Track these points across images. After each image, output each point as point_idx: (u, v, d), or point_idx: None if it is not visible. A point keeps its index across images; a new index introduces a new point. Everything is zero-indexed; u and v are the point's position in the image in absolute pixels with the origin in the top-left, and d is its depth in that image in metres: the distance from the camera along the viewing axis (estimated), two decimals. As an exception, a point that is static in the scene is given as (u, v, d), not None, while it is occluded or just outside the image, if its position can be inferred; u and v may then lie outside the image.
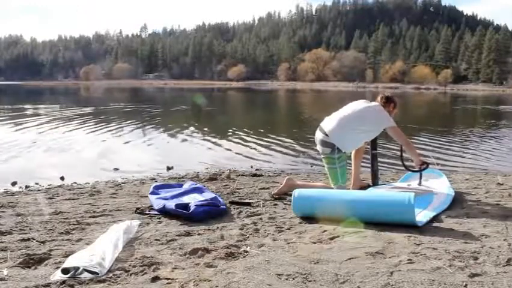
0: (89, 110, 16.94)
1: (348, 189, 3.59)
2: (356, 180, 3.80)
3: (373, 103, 3.69)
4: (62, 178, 4.78)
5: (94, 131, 9.68)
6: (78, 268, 1.84)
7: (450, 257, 2.00)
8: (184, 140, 8.48)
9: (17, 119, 12.14)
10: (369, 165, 3.93)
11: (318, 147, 3.61)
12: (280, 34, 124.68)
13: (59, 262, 1.97)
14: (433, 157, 5.78)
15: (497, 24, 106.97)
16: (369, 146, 3.92)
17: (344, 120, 3.52)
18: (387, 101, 3.70)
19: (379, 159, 3.97)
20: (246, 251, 2.17)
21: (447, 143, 8.38)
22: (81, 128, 10.16)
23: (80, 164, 5.91)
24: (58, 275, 1.81)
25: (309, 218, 2.77)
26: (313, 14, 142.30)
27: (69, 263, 1.89)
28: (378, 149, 3.98)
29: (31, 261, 2.00)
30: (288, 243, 2.30)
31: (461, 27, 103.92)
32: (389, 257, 2.02)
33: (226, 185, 4.03)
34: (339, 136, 3.46)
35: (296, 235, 2.46)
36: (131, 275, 1.87)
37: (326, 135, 3.49)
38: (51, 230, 2.52)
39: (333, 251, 2.12)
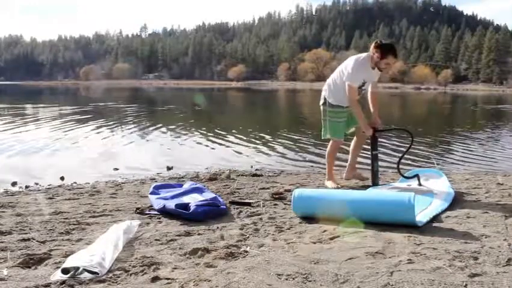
0: (88, 109, 16.94)
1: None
2: (352, 169, 3.89)
3: (359, 55, 3.80)
4: (62, 178, 4.77)
5: (93, 131, 9.67)
6: (78, 268, 1.84)
7: (450, 257, 2.00)
8: (184, 140, 8.48)
9: (17, 119, 12.14)
10: (370, 166, 3.94)
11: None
12: (280, 34, 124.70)
13: (59, 262, 1.97)
14: (436, 162, 5.79)
15: (497, 24, 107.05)
16: (369, 142, 3.94)
17: (332, 74, 3.95)
18: (375, 47, 3.64)
19: (379, 160, 3.97)
20: (246, 251, 2.17)
21: (447, 143, 8.38)
22: (81, 128, 10.16)
23: (80, 164, 5.90)
24: (58, 275, 1.81)
25: (309, 218, 2.77)
26: (313, 14, 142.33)
27: (69, 263, 1.89)
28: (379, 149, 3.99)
29: (31, 261, 1.99)
30: (288, 243, 2.30)
31: (461, 27, 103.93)
32: (389, 257, 2.02)
33: (226, 185, 4.03)
34: (326, 88, 3.93)
35: (296, 235, 2.45)
36: (131, 275, 1.87)
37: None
38: (51, 230, 2.52)
39: (333, 251, 2.12)
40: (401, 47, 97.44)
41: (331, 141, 4.01)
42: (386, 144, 6.14)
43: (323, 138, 4.03)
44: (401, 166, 3.98)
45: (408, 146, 3.93)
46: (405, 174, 3.81)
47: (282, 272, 1.83)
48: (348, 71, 3.70)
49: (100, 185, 4.35)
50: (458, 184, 3.96)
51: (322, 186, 4.03)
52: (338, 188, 3.85)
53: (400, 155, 3.89)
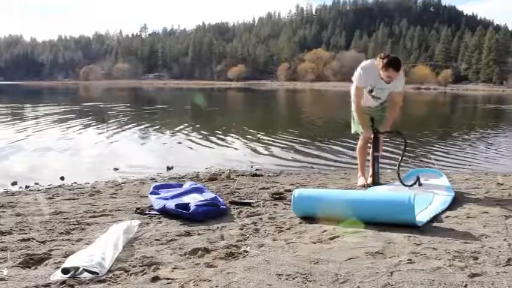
0: (89, 109, 16.93)
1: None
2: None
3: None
4: (62, 178, 4.77)
5: (93, 131, 9.68)
6: (78, 268, 1.84)
7: (450, 257, 2.00)
8: (184, 140, 8.48)
9: (17, 119, 12.14)
10: (370, 166, 3.94)
11: None
12: (280, 34, 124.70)
13: (59, 262, 1.97)
14: (435, 162, 5.78)
15: (497, 24, 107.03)
16: (370, 145, 3.94)
17: None
18: (380, 58, 3.67)
19: (380, 160, 3.96)
20: (246, 251, 2.17)
21: (447, 143, 8.38)
22: (81, 128, 10.16)
23: (80, 164, 5.91)
24: (58, 275, 1.81)
25: (309, 218, 2.77)
26: (314, 14, 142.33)
27: (69, 263, 1.89)
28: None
29: (31, 261, 1.99)
30: (288, 243, 2.30)
31: (461, 27, 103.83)
32: (389, 257, 2.02)
33: (226, 185, 4.03)
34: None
35: (296, 235, 2.45)
36: (131, 275, 1.87)
37: None
38: (51, 230, 2.52)
39: (333, 251, 2.12)
40: (401, 47, 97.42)
41: (360, 137, 4.09)
42: (387, 145, 6.14)
43: (352, 133, 4.17)
44: (400, 167, 3.97)
45: (402, 151, 3.89)
46: (405, 182, 3.73)
47: (282, 272, 1.83)
48: (355, 73, 3.82)
49: (100, 185, 4.35)
50: (458, 184, 3.96)
51: (322, 186, 4.03)
52: (365, 186, 3.85)
53: (399, 158, 3.84)
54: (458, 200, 3.22)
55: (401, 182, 3.64)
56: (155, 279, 1.81)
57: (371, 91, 3.82)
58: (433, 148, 7.64)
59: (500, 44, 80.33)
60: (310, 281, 1.75)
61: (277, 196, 3.48)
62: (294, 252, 2.14)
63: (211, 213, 2.85)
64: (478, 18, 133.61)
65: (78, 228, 2.58)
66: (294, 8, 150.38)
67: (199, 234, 2.47)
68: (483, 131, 11.01)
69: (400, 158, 3.80)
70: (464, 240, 2.25)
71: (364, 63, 3.82)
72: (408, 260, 1.96)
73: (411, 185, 3.59)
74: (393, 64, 3.59)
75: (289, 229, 2.59)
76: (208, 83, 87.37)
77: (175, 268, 1.93)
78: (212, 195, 3.22)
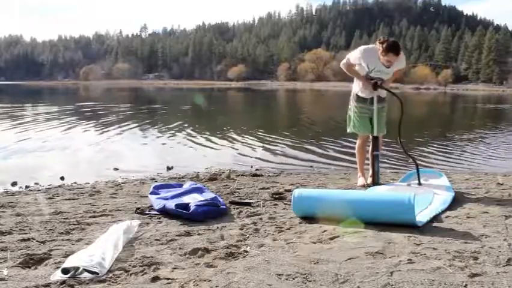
0: (88, 109, 16.93)
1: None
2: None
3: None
4: (62, 178, 4.77)
5: (93, 131, 9.68)
6: (78, 268, 1.84)
7: (450, 257, 2.00)
8: (184, 140, 8.49)
9: (17, 119, 12.14)
10: (370, 166, 3.93)
11: None
12: (280, 34, 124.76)
13: (59, 262, 1.97)
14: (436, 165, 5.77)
15: (497, 24, 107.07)
16: (370, 145, 3.94)
17: None
18: (379, 43, 3.68)
19: (380, 159, 3.96)
20: (246, 251, 2.17)
21: (447, 143, 8.38)
22: (81, 128, 10.16)
23: (80, 164, 5.91)
24: (58, 275, 1.81)
25: (309, 218, 2.77)
26: (314, 14, 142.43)
27: (69, 263, 1.89)
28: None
29: (31, 261, 1.99)
30: (288, 243, 2.30)
31: (461, 27, 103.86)
32: (389, 257, 2.02)
33: (226, 185, 4.03)
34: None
35: (296, 235, 2.45)
36: (131, 275, 1.87)
37: None
38: (51, 230, 2.52)
39: (333, 251, 2.12)
40: (401, 47, 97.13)
41: (358, 136, 4.07)
42: (387, 145, 6.14)
43: (348, 132, 4.11)
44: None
45: (400, 116, 3.90)
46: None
47: (282, 272, 1.83)
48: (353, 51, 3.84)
49: (100, 185, 4.35)
50: (458, 184, 3.96)
51: (322, 186, 4.03)
52: (365, 186, 3.84)
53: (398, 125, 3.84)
54: (458, 200, 3.22)
55: (401, 145, 3.69)
56: (155, 279, 1.81)
57: (370, 72, 3.78)
58: (433, 148, 7.64)
59: (500, 44, 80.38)
60: (310, 281, 1.75)
61: (277, 196, 3.48)
62: (294, 252, 2.14)
63: (211, 213, 2.85)
64: (478, 18, 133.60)
65: (78, 228, 2.58)
66: (294, 8, 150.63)
67: (199, 234, 2.47)
68: (483, 131, 11.01)
69: (400, 121, 3.80)
70: (464, 240, 2.25)
71: (364, 46, 3.82)
72: (408, 260, 1.96)
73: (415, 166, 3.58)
74: (392, 48, 3.58)
75: (289, 229, 2.59)
76: (208, 83, 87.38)
77: (175, 268, 1.93)
78: (212, 195, 3.22)
